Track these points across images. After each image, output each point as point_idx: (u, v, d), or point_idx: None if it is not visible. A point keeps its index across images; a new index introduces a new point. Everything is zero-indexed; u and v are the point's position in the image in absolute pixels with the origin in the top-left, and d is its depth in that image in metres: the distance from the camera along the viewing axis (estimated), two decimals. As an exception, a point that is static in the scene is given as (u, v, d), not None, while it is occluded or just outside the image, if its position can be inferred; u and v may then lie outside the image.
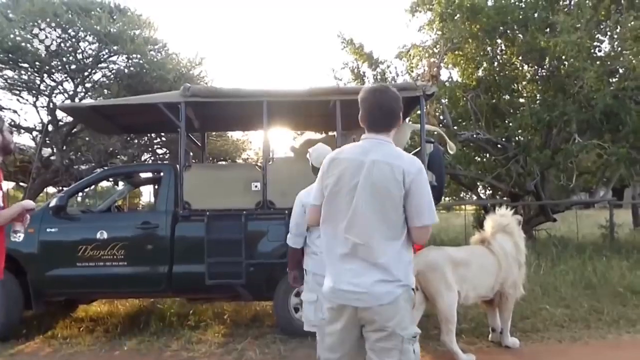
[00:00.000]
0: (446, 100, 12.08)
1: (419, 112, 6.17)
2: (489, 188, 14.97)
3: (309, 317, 3.77)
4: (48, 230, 5.61)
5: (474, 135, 11.84)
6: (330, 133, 7.49)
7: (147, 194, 20.16)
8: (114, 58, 12.09)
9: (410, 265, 2.39)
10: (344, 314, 2.37)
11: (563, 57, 10.64)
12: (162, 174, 6.20)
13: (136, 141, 13.72)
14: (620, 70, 11.02)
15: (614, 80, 10.97)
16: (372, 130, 2.46)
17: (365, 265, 2.32)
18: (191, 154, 7.17)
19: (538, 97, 12.16)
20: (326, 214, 2.46)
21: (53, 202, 5.68)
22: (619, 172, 12.07)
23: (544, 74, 11.99)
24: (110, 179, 7.42)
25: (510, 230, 5.05)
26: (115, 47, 11.48)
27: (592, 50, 11.14)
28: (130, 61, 12.04)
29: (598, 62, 10.40)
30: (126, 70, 12.06)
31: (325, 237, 2.47)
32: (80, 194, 7.52)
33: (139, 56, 11.77)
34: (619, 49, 10.59)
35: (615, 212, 12.94)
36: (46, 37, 11.29)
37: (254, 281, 5.59)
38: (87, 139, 13.11)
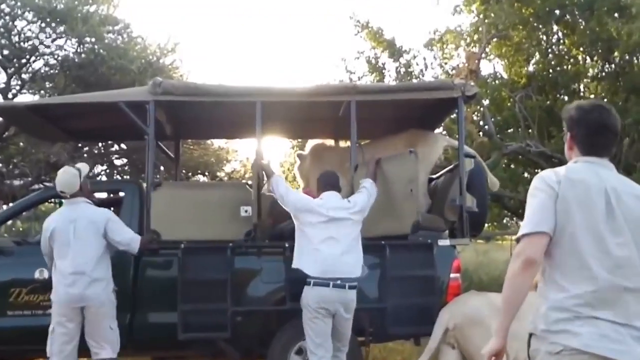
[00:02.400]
0: (488, 101, 12.06)
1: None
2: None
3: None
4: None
5: (524, 147, 11.79)
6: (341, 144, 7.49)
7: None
8: (60, 42, 12.13)
9: None
10: None
11: (637, 50, 10.66)
12: (123, 194, 6.16)
13: (87, 149, 13.65)
14: None
15: None
16: (594, 155, 2.63)
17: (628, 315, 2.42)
18: (162, 167, 7.10)
19: (605, 100, 12.13)
20: (569, 247, 2.54)
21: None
22: None
23: (613, 70, 12.03)
24: (54, 201, 7.33)
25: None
26: (62, 28, 11.50)
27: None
28: (81, 46, 12.02)
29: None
30: (76, 58, 12.04)
31: (566, 272, 2.55)
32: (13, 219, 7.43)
33: (93, 40, 11.75)
34: None
35: None
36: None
37: (243, 334, 5.56)
38: (21, 144, 13.04)
